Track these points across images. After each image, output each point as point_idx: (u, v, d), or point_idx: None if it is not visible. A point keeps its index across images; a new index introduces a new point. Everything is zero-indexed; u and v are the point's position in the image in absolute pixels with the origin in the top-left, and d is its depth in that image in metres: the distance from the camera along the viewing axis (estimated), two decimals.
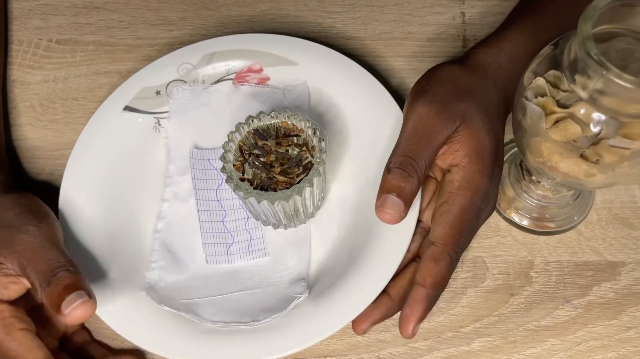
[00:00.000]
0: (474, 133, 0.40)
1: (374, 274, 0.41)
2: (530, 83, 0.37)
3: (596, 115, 0.34)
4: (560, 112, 0.35)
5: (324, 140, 0.42)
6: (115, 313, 0.41)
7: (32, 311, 0.41)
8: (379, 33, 0.56)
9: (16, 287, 0.38)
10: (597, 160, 0.36)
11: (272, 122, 0.43)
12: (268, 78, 0.51)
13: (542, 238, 0.47)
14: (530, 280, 0.46)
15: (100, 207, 0.45)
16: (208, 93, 0.51)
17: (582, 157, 0.36)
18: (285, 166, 0.42)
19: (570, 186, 0.43)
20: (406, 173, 0.38)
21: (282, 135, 0.43)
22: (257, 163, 0.42)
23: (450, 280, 0.45)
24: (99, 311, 0.41)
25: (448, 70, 0.43)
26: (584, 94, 0.34)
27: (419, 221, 0.43)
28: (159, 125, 0.50)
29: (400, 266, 0.41)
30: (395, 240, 0.41)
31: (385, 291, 0.41)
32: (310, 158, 0.42)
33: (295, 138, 0.43)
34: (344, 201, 0.47)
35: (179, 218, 0.47)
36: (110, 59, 0.56)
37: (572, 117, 0.35)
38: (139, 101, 0.49)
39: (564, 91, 0.36)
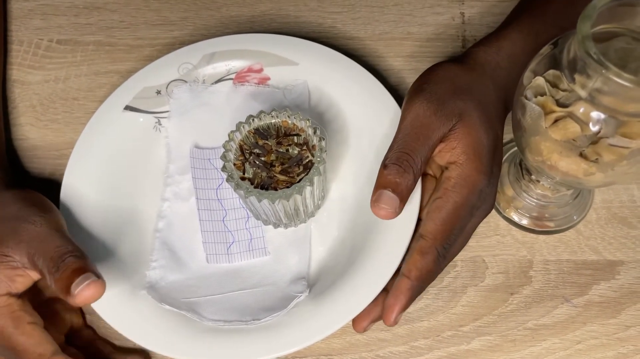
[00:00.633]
0: (471, 130, 0.40)
1: (374, 273, 0.41)
2: (529, 83, 0.37)
3: (595, 114, 0.34)
4: (559, 111, 0.35)
5: (324, 139, 0.42)
6: (116, 312, 0.41)
7: (39, 307, 0.41)
8: (379, 33, 0.57)
9: (23, 280, 0.39)
10: (597, 159, 0.36)
11: (273, 121, 0.43)
12: (268, 78, 0.51)
13: (542, 237, 0.47)
14: (529, 279, 0.46)
15: (101, 206, 0.46)
16: (208, 93, 0.51)
17: (582, 155, 0.36)
18: (286, 165, 0.42)
19: (569, 186, 0.43)
20: (402, 169, 0.38)
21: (283, 134, 0.43)
22: (257, 163, 0.42)
23: (450, 279, 0.46)
24: (100, 310, 0.41)
25: (446, 69, 0.43)
26: (583, 93, 0.34)
27: (419, 219, 0.43)
28: (160, 124, 0.50)
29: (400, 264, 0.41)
30: (395, 239, 0.41)
31: (384, 289, 0.41)
32: (310, 158, 0.42)
33: (295, 137, 0.43)
34: (344, 201, 0.47)
35: (180, 217, 0.47)
36: (110, 59, 0.56)
37: (572, 116, 0.35)
38: (139, 101, 0.49)
39: (564, 90, 0.36)
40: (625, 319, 0.44)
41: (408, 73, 0.54)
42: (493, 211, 0.48)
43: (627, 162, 0.36)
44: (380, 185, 0.39)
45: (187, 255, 0.46)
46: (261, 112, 0.43)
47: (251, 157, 0.42)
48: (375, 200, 0.38)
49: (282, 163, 0.42)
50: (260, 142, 0.43)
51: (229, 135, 0.42)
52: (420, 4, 0.58)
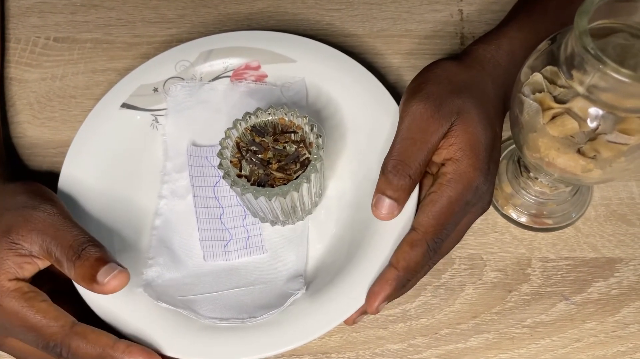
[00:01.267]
0: (469, 127, 0.40)
1: (371, 271, 0.41)
2: (527, 79, 0.37)
3: (593, 110, 0.34)
4: (557, 108, 0.35)
5: (321, 136, 0.42)
6: (112, 310, 0.41)
7: None
8: (377, 30, 0.56)
9: (30, 267, 0.39)
10: (595, 155, 0.36)
11: (270, 118, 0.43)
12: (266, 76, 0.51)
13: (540, 234, 0.47)
14: (528, 277, 0.46)
15: (98, 204, 0.45)
16: (206, 91, 0.51)
17: (580, 152, 0.36)
18: (283, 162, 0.42)
19: (567, 182, 0.43)
20: (398, 176, 0.40)
21: (280, 131, 0.43)
22: (254, 160, 0.42)
23: (448, 277, 0.46)
24: (96, 308, 0.41)
25: (445, 67, 0.43)
26: (581, 89, 0.34)
27: None
28: (157, 122, 0.50)
29: None
30: (392, 237, 0.41)
31: (390, 264, 0.40)
32: (307, 155, 0.42)
33: (292, 134, 0.43)
34: (341, 198, 0.46)
35: (177, 215, 0.47)
36: (107, 57, 0.56)
37: (570, 112, 0.35)
38: (136, 98, 0.49)
39: (561, 86, 0.35)
40: (624, 317, 0.44)
41: (406, 70, 0.54)
42: (491, 208, 0.48)
43: (626, 158, 0.35)
44: (379, 190, 0.40)
45: (184, 252, 0.45)
46: (258, 109, 0.43)
47: (248, 154, 0.42)
48: (374, 204, 0.40)
49: (279, 161, 0.42)
50: (257, 139, 0.43)
51: (225, 133, 0.42)
52: (419, 1, 0.58)
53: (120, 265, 0.38)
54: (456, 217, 0.39)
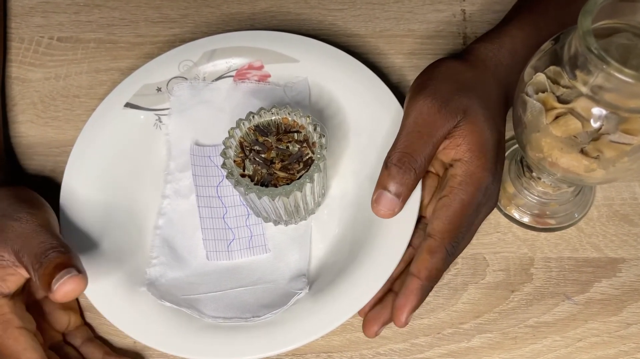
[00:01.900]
0: (476, 128, 0.40)
1: (374, 270, 0.41)
2: (530, 79, 0.37)
3: (597, 110, 0.34)
4: (560, 108, 0.35)
5: (324, 136, 0.42)
6: (116, 309, 0.41)
7: (34, 306, 0.41)
8: (380, 30, 0.56)
9: (14, 279, 0.38)
10: (598, 155, 0.36)
11: (273, 118, 0.43)
12: (269, 76, 0.51)
13: (543, 234, 0.47)
14: (530, 277, 0.46)
15: (101, 203, 0.46)
16: (209, 91, 0.51)
17: (583, 152, 0.36)
18: (286, 162, 0.42)
19: (570, 182, 0.43)
20: (402, 170, 0.39)
21: (283, 131, 0.43)
22: (257, 159, 0.42)
23: (451, 277, 0.46)
24: (100, 307, 0.41)
25: (449, 66, 0.43)
26: (584, 89, 0.34)
27: (422, 217, 0.43)
28: (160, 122, 0.50)
29: (403, 262, 0.41)
30: (395, 236, 0.41)
31: (391, 289, 0.41)
32: (310, 154, 0.42)
33: (295, 134, 0.43)
34: (344, 198, 0.47)
35: (180, 214, 0.47)
36: (111, 57, 0.56)
37: (573, 112, 0.35)
38: (140, 98, 0.49)
39: (565, 86, 0.35)
40: (626, 316, 0.44)
41: (409, 70, 0.54)
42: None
43: (629, 158, 0.35)
44: (381, 185, 0.39)
45: (187, 252, 0.46)
46: (261, 109, 0.43)
47: (251, 154, 0.42)
48: (375, 200, 0.39)
49: (282, 160, 0.42)
50: (261, 139, 0.43)
51: (229, 132, 0.42)
52: (421, 1, 0.58)
53: (78, 270, 0.35)
54: (470, 219, 0.39)
